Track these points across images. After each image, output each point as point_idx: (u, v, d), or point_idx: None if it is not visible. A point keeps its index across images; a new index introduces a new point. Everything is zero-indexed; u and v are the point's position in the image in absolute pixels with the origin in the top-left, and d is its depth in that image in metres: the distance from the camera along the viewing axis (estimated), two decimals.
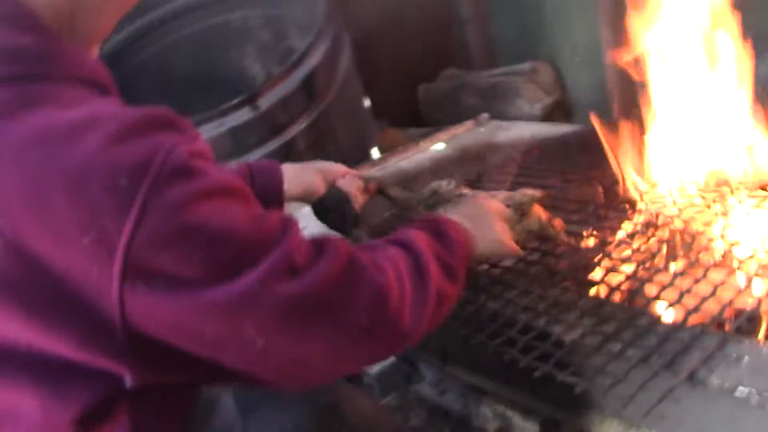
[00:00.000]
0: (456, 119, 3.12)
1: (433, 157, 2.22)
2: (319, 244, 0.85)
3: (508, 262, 1.31)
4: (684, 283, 1.12)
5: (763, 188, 1.38)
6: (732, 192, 1.39)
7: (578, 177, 1.67)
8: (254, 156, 1.92)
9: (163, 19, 2.44)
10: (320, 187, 1.36)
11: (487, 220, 1.13)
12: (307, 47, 1.92)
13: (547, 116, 2.96)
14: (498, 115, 2.96)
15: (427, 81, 3.35)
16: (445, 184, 1.29)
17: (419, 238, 0.98)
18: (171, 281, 0.73)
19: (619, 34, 2.66)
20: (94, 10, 0.89)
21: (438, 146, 2.28)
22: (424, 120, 3.30)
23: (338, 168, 1.40)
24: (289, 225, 0.83)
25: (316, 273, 0.81)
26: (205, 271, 0.75)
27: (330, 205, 1.30)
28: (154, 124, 0.79)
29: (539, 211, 1.19)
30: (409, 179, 2.12)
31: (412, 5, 3.28)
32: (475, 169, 2.06)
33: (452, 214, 1.10)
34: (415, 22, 3.32)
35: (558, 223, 1.23)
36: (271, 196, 1.31)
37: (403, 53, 3.31)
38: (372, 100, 3.19)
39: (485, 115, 2.42)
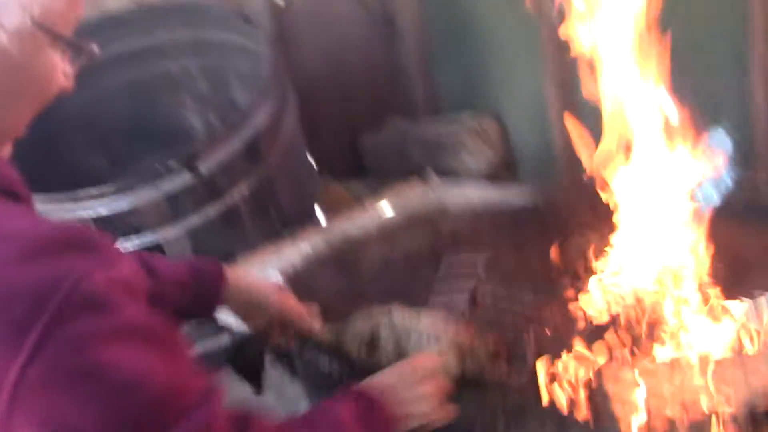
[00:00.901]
0: (401, 170, 3.06)
1: (379, 223, 2.14)
2: (242, 422, 0.75)
3: None
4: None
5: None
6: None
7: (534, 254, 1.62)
8: (191, 222, 1.80)
9: (98, 64, 2.31)
10: (261, 317, 1.25)
11: (418, 386, 1.05)
12: (250, 107, 1.82)
13: (493, 172, 2.93)
14: (443, 169, 2.91)
15: (371, 131, 3.29)
16: (385, 323, 1.20)
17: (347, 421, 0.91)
18: (61, 430, 0.64)
19: (566, 93, 2.67)
20: (2, 108, 0.80)
21: (383, 206, 2.20)
22: (368, 170, 3.23)
23: (292, 308, 1.28)
24: (213, 391, 0.73)
25: None
26: (102, 425, 0.65)
27: (248, 357, 1.20)
28: (67, 244, 0.69)
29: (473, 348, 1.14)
30: (356, 247, 2.03)
31: (355, 53, 3.23)
32: (426, 241, 1.98)
33: (385, 376, 1.04)
34: (359, 70, 3.26)
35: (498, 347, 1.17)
36: (203, 309, 1.20)
37: (346, 102, 3.24)
38: (314, 151, 3.11)
39: (431, 173, 2.36)
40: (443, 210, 2.18)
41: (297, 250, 1.95)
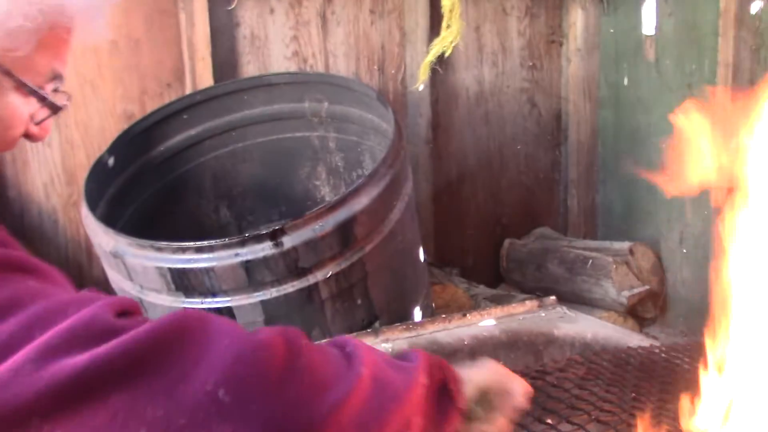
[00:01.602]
0: (535, 285, 2.84)
1: (477, 335, 1.95)
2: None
3: None
4: None
5: None
6: None
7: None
8: (268, 293, 1.72)
9: (241, 122, 2.35)
10: None
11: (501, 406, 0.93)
12: (353, 189, 1.73)
13: (635, 307, 2.63)
14: (581, 294, 2.66)
15: (515, 236, 3.10)
16: None
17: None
18: None
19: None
20: None
21: (487, 322, 2.01)
22: (502, 276, 3.02)
23: None
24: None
25: None
26: None
27: None
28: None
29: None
30: (442, 356, 1.86)
31: (515, 151, 3.08)
32: (520, 366, 1.76)
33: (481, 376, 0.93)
34: (517, 171, 3.10)
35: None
36: None
37: (494, 199, 3.09)
38: (448, 243, 2.97)
39: (552, 299, 2.13)
40: (551, 339, 1.95)
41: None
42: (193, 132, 2.30)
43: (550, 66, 3.08)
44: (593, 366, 1.63)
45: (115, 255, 1.76)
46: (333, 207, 1.70)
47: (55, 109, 0.83)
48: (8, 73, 0.76)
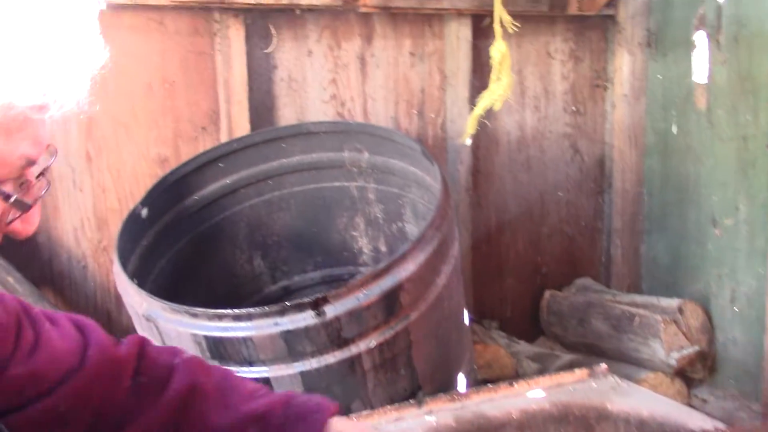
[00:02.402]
0: (578, 341, 2.72)
1: (525, 408, 1.83)
2: None
3: None
4: None
5: None
6: None
7: None
8: (308, 364, 1.63)
9: (278, 171, 2.27)
10: None
11: None
12: (399, 256, 1.64)
13: (684, 368, 2.50)
14: (627, 353, 2.54)
15: (556, 285, 2.98)
16: None
17: None
18: None
19: None
20: None
21: (536, 393, 1.90)
22: (542, 329, 2.91)
23: None
24: None
25: None
26: None
27: None
28: None
29: None
30: (489, 430, 1.75)
31: (557, 199, 2.98)
32: None
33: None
34: (558, 219, 2.99)
35: None
36: None
37: (535, 248, 2.98)
38: (487, 293, 2.86)
39: (603, 367, 2.02)
40: (604, 414, 1.84)
41: (420, 421, 1.71)
42: (228, 180, 2.23)
43: (593, 111, 2.98)
44: None
45: (148, 318, 1.67)
46: (378, 274, 1.61)
47: (24, 208, 0.73)
48: None
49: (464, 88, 2.70)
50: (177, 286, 2.12)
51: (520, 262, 2.96)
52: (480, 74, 2.76)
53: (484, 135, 2.80)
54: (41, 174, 0.73)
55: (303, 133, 2.22)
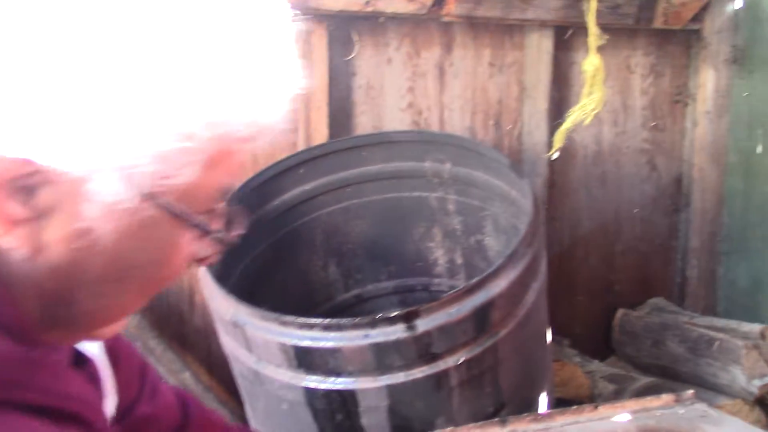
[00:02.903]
0: (651, 363, 2.65)
1: None
2: None
3: None
4: None
5: None
6: None
7: None
8: (394, 378, 1.60)
9: (357, 179, 2.26)
10: None
11: None
12: (492, 271, 1.60)
13: (764, 396, 2.42)
14: (704, 378, 2.46)
15: (627, 304, 2.91)
16: None
17: None
18: None
19: None
20: (96, 295, 0.64)
21: (621, 417, 1.85)
22: (613, 348, 2.84)
23: None
24: None
25: None
26: None
27: None
28: None
29: None
30: None
31: (631, 216, 2.91)
32: None
33: None
34: (631, 238, 2.93)
35: None
36: None
37: (608, 265, 2.92)
38: (557, 310, 2.80)
39: (690, 393, 1.96)
40: None
41: None
42: (308, 187, 2.22)
43: (673, 127, 2.91)
44: None
45: (235, 324, 1.67)
46: (470, 290, 1.58)
47: (224, 244, 0.69)
48: (165, 206, 0.61)
49: (543, 100, 2.66)
50: (254, 291, 2.11)
51: (591, 279, 2.90)
52: (559, 86, 2.72)
53: (561, 148, 2.74)
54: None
55: (385, 141, 2.20)
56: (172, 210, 0.62)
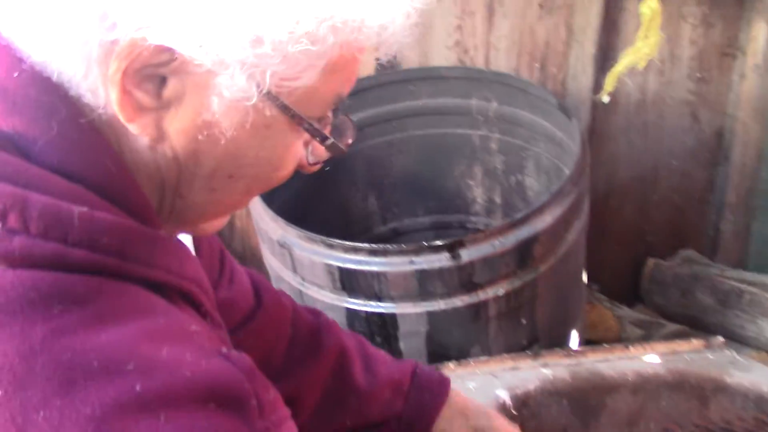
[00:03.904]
0: (679, 312, 2.69)
1: (640, 371, 1.83)
2: None
3: None
4: None
5: None
6: None
7: None
8: (435, 305, 1.65)
9: (403, 113, 2.28)
10: None
11: None
12: (537, 207, 1.63)
13: None
14: (731, 329, 2.50)
15: (658, 255, 2.93)
16: None
17: None
18: None
19: None
20: (205, 189, 0.67)
21: (651, 358, 1.89)
22: (642, 299, 2.88)
23: None
24: None
25: None
26: None
27: None
28: (213, 398, 0.54)
29: None
30: (604, 390, 1.76)
31: (669, 168, 2.90)
32: (683, 412, 1.66)
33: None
34: (667, 189, 2.93)
35: None
36: (418, 426, 1.03)
37: (640, 216, 2.93)
38: (588, 256, 2.84)
39: (720, 339, 1.99)
40: (721, 386, 1.82)
41: (536, 373, 1.72)
42: (354, 118, 2.24)
43: (719, 80, 2.87)
44: None
45: (282, 245, 1.72)
46: (515, 224, 1.61)
47: (336, 152, 0.72)
48: (284, 108, 0.64)
49: (591, 45, 2.64)
50: (296, 218, 2.16)
51: (624, 228, 2.92)
52: (608, 32, 2.69)
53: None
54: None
55: (433, 77, 2.21)
56: (290, 112, 0.64)
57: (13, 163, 0.57)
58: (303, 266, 1.70)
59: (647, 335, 2.44)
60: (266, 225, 1.78)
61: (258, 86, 0.61)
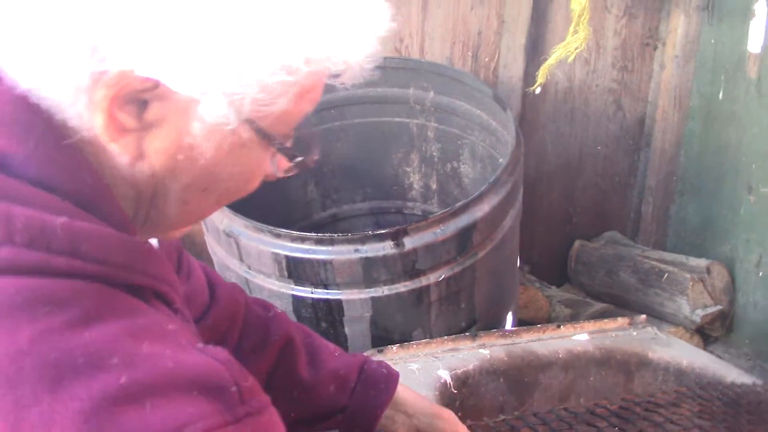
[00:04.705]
0: (604, 291, 2.83)
1: (571, 349, 1.94)
2: None
3: None
4: None
5: None
6: None
7: None
8: (379, 291, 1.71)
9: (342, 102, 2.32)
10: None
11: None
12: (476, 196, 1.71)
13: (704, 325, 2.62)
14: (652, 306, 2.65)
15: (584, 237, 3.07)
16: None
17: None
18: None
19: None
20: (180, 202, 0.71)
21: (580, 336, 2.00)
22: (570, 279, 3.01)
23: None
24: None
25: None
26: None
27: None
28: (196, 386, 0.59)
29: None
30: (538, 368, 1.86)
31: (594, 154, 3.04)
32: (610, 385, 1.78)
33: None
34: (593, 174, 3.07)
35: None
36: (362, 421, 1.08)
37: (567, 201, 3.06)
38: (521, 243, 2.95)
39: (642, 317, 2.12)
40: (644, 361, 1.95)
41: (475, 353, 1.81)
42: None
43: (641, 69, 3.02)
44: (705, 404, 1.62)
45: (229, 234, 1.74)
46: (455, 212, 1.68)
47: (303, 167, 0.75)
48: (259, 130, 0.68)
49: (522, 36, 2.73)
50: (237, 205, 2.18)
51: (552, 211, 3.04)
52: (537, 23, 2.79)
53: (534, 83, 2.84)
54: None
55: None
56: (265, 134, 0.69)
57: None
58: (250, 255, 1.74)
59: (575, 314, 2.57)
60: (212, 215, 1.80)
61: (238, 112, 0.65)
